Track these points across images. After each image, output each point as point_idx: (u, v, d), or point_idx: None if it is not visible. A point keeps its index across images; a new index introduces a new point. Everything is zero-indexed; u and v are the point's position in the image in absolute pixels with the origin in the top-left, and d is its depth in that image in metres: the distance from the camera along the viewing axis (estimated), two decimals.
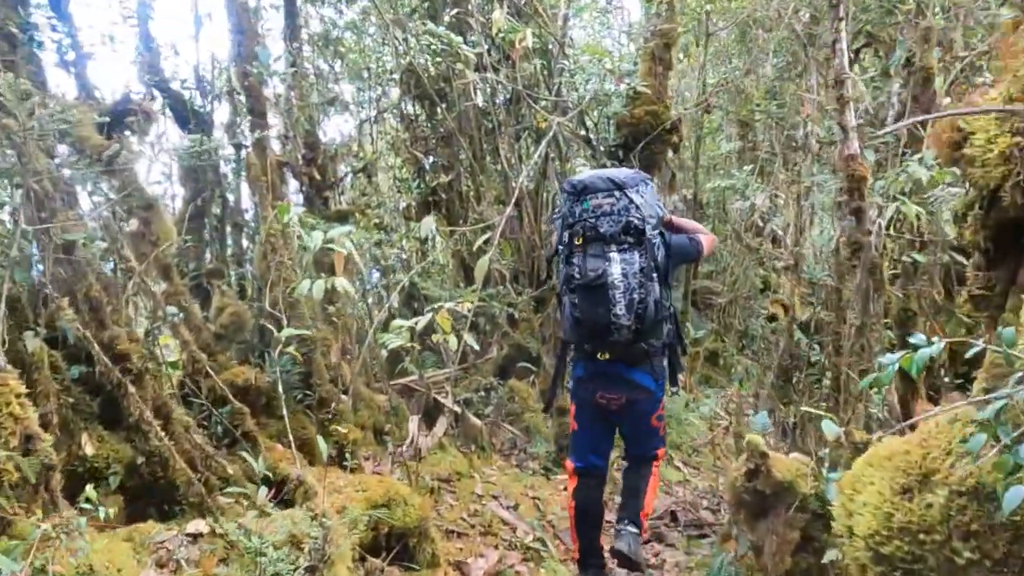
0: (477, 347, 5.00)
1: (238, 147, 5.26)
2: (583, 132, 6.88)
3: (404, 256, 7.32)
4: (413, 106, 7.29)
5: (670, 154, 7.03)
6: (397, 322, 3.47)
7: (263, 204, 4.44)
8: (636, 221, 2.99)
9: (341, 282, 3.16)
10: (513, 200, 5.06)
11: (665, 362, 3.26)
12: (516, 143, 7.76)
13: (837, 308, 3.94)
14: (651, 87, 6.68)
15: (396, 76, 7.04)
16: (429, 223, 3.93)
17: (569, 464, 3.45)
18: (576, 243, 3.04)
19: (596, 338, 3.05)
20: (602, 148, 6.85)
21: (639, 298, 2.92)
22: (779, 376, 4.78)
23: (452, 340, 3.46)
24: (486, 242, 4.89)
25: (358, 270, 5.33)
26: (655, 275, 3.02)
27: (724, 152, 11.13)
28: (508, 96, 7.34)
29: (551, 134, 6.05)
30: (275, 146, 5.39)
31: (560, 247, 3.18)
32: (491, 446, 5.29)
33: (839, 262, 4.09)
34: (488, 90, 7.03)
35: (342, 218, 5.02)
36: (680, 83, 8.95)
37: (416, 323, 3.44)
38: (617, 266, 2.93)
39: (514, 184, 5.92)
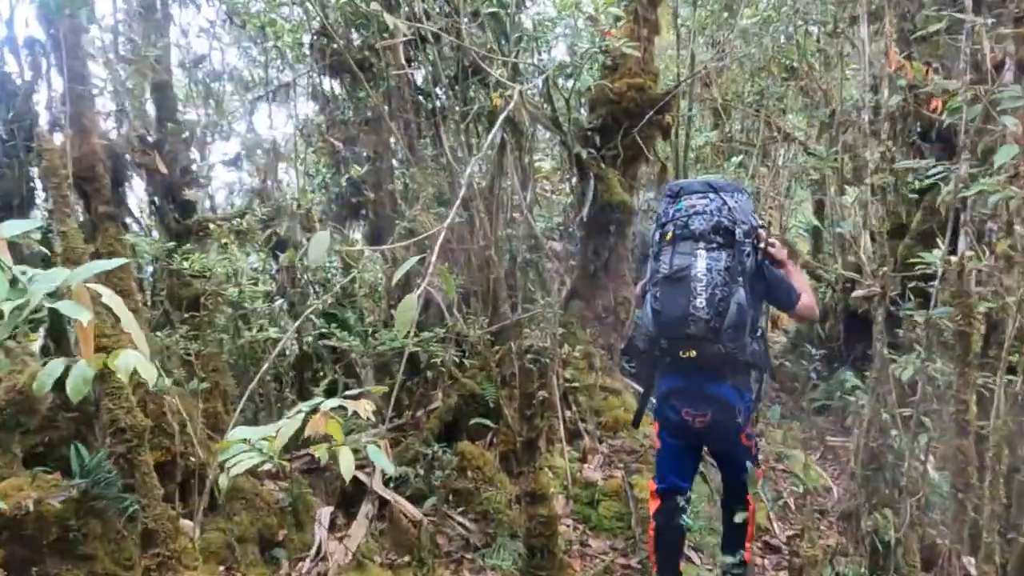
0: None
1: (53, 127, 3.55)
2: (550, 112, 5.34)
3: (327, 277, 5.70)
4: (330, 81, 5.68)
5: (659, 141, 5.56)
6: (242, 431, 1.89)
7: (58, 213, 2.78)
8: (727, 222, 2.97)
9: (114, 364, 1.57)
10: (458, 201, 3.51)
11: (752, 381, 3.14)
12: (464, 129, 6.20)
13: None
14: (635, 56, 5.17)
15: (306, 42, 5.42)
16: (323, 240, 2.34)
17: (651, 484, 3.38)
18: (666, 240, 3.03)
19: (673, 330, 2.95)
20: (574, 132, 5.33)
21: (721, 295, 2.87)
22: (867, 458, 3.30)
23: (345, 459, 1.88)
24: (422, 260, 3.36)
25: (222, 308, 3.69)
26: (741, 279, 2.94)
27: (700, 143, 9.75)
28: (456, 71, 5.77)
29: (505, 114, 4.49)
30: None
31: (652, 246, 3.17)
32: (434, 551, 3.72)
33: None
34: (428, 62, 5.46)
35: (189, 233, 3.37)
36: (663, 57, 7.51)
37: (278, 430, 1.86)
38: (703, 261, 2.92)
39: (461, 181, 4.36)
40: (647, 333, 3.10)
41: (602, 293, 5.54)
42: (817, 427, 7.34)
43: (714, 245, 2.93)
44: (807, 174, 12.11)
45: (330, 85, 5.71)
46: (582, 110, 5.47)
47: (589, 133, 5.30)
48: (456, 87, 5.96)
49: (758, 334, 3.06)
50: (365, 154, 5.41)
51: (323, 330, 4.81)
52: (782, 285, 3.16)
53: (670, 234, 3.00)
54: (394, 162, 5.47)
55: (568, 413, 5.15)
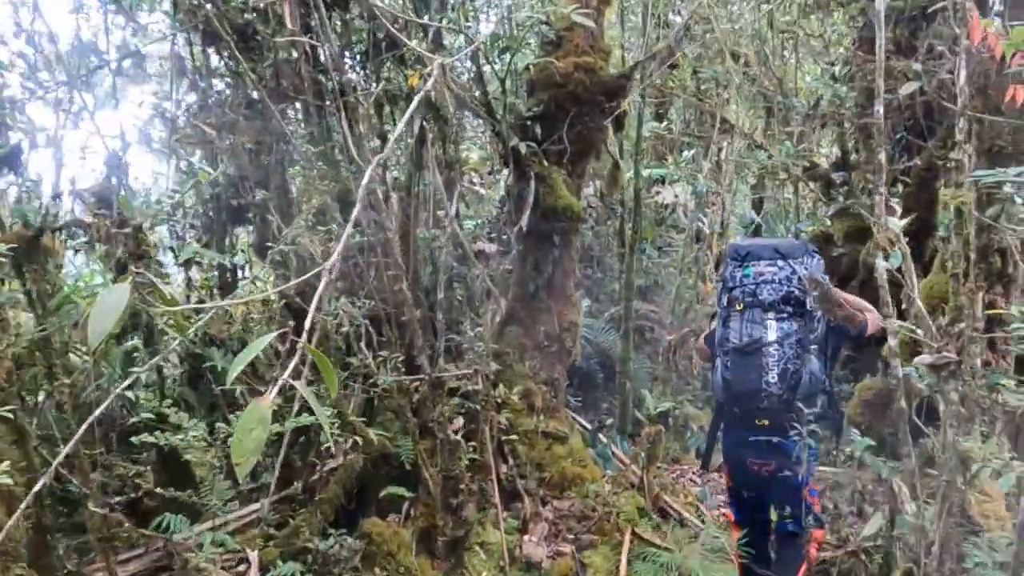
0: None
1: None
2: (480, 95, 4.31)
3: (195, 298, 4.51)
4: (203, 51, 4.47)
5: (611, 134, 4.62)
6: None
7: None
8: (797, 292, 2.94)
9: None
10: (355, 212, 2.44)
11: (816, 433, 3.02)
12: (377, 115, 5.11)
13: None
14: (585, 27, 4.21)
15: None
16: (114, 304, 1.29)
17: (730, 515, 3.38)
18: (735, 308, 3.01)
19: (744, 403, 2.97)
20: (510, 121, 4.32)
21: (793, 368, 2.88)
22: None
23: None
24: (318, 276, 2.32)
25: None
26: (813, 347, 2.95)
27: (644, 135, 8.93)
28: (367, 44, 4.68)
29: (422, 94, 3.45)
30: None
31: (719, 309, 3.13)
32: None
33: None
34: (333, 32, 4.35)
35: None
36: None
37: None
38: (773, 333, 2.91)
39: (370, 178, 3.30)
40: (717, 398, 3.13)
41: (544, 317, 4.59)
42: None
43: (784, 315, 2.91)
44: (750, 169, 11.58)
45: (203, 56, 4.50)
46: (520, 94, 4.47)
47: (528, 122, 4.31)
48: (367, 64, 4.87)
49: (824, 387, 3.02)
50: (248, 145, 4.24)
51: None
52: (849, 324, 2.98)
53: (740, 303, 2.97)
54: (284, 157, 4.31)
55: (504, 468, 4.18)
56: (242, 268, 5.17)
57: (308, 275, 2.49)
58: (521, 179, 4.30)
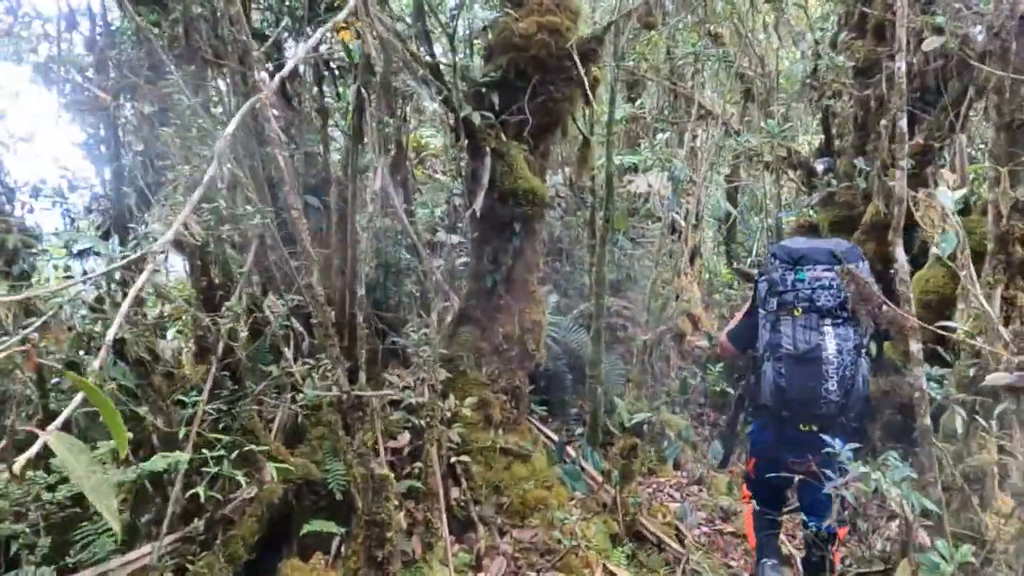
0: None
1: None
2: (427, 57, 3.68)
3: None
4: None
5: (580, 106, 4.03)
6: None
7: None
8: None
9: None
10: (288, 187, 1.76)
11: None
12: (317, 84, 4.46)
13: None
14: None
15: None
16: None
17: (747, 492, 3.40)
18: (788, 313, 2.94)
19: (800, 410, 2.94)
20: (463, 88, 3.71)
21: (850, 375, 2.87)
22: None
23: None
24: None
25: None
26: (864, 352, 2.94)
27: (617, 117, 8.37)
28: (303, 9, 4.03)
29: (356, 45, 2.83)
30: None
31: (762, 311, 3.07)
32: None
33: None
34: None
35: None
36: None
37: None
38: (832, 340, 2.86)
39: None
40: (764, 403, 3.03)
41: (503, 316, 3.99)
42: None
43: (839, 320, 2.88)
44: (724, 158, 11.10)
45: (101, 4, 3.81)
46: (474, 58, 3.86)
47: (484, 90, 3.70)
48: (298, 24, 4.22)
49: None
50: (144, 112, 3.56)
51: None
52: (892, 327, 2.96)
53: (794, 308, 2.92)
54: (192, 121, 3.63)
55: (456, 493, 3.59)
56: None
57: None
58: (475, 156, 3.69)
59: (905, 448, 6.30)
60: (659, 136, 7.07)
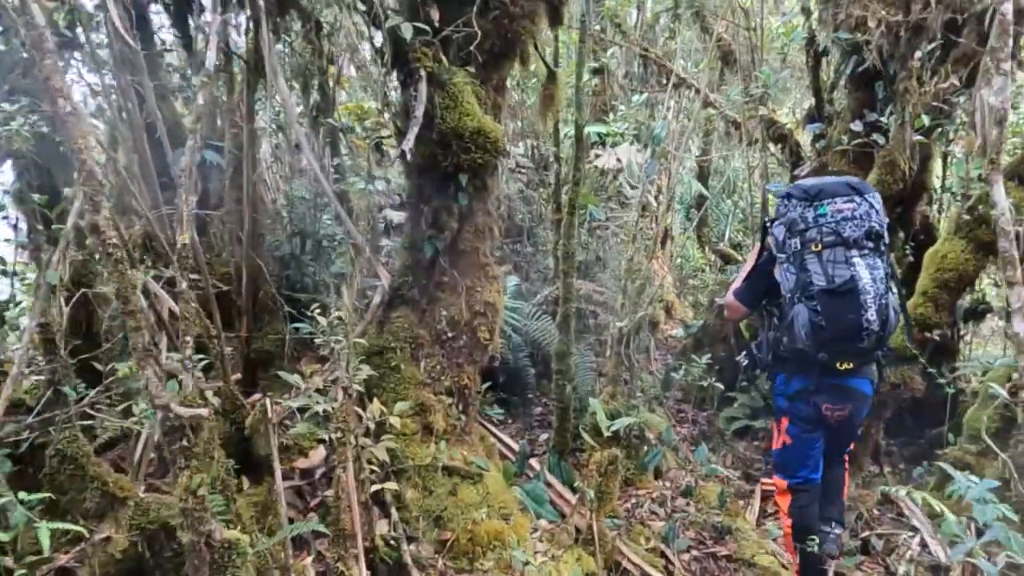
0: None
1: None
2: None
3: None
4: None
5: (545, 28, 3.16)
6: None
7: None
8: (877, 226, 2.88)
9: None
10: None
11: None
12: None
13: None
14: None
15: None
16: None
17: (780, 482, 3.30)
18: (813, 249, 2.87)
19: (841, 345, 2.89)
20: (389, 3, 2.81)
21: (885, 303, 2.84)
22: None
23: None
24: None
25: None
26: (892, 282, 2.96)
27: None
28: None
29: None
30: None
31: (782, 256, 3.00)
32: None
33: None
34: None
35: None
36: None
37: None
38: (865, 271, 2.83)
39: None
40: (801, 347, 2.93)
41: (447, 296, 3.11)
42: (740, 458, 5.44)
43: (867, 251, 2.86)
44: (698, 131, 10.38)
45: None
46: None
47: (420, 1, 2.82)
48: None
49: None
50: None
51: None
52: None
53: (817, 243, 2.85)
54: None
55: (383, 528, 2.71)
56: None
57: None
58: (407, 82, 2.80)
59: (911, 446, 5.65)
60: (635, 99, 6.24)
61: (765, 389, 5.82)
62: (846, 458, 3.45)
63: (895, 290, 2.94)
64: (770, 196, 6.75)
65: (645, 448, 4.47)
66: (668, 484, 4.56)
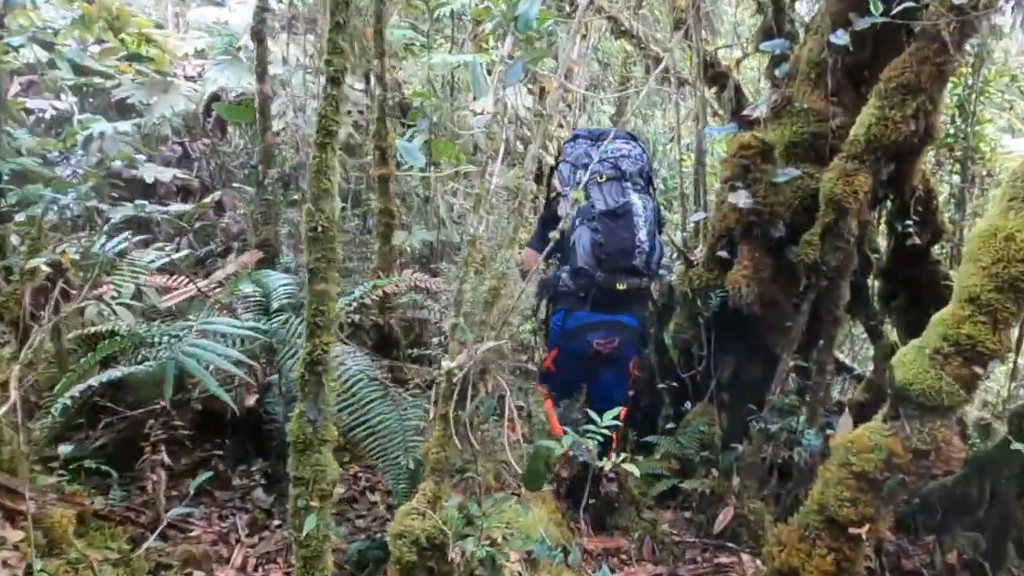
0: None
1: None
2: None
3: None
4: None
5: None
6: None
7: None
8: (647, 168, 3.39)
9: None
10: None
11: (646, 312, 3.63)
12: None
13: None
14: None
15: None
16: None
17: (543, 389, 3.55)
18: (597, 180, 3.25)
19: (616, 263, 3.19)
20: None
21: (654, 231, 3.26)
22: None
23: None
24: None
25: None
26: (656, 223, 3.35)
27: None
28: None
29: None
30: None
31: (567, 190, 3.32)
32: None
33: None
34: None
35: None
36: None
37: None
38: (638, 199, 3.23)
39: None
40: (582, 266, 3.23)
41: None
42: (665, 544, 3.54)
43: (639, 187, 3.30)
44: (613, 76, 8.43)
45: None
46: None
47: None
48: None
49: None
50: None
51: None
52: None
53: (600, 176, 3.26)
54: None
55: None
56: None
57: None
58: None
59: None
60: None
61: (703, 429, 4.03)
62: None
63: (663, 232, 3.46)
64: (713, 140, 4.91)
65: None
66: None
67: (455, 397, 2.22)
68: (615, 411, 2.51)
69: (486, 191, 2.61)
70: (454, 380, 2.22)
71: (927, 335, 2.76)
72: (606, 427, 3.17)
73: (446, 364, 2.21)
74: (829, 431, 3.65)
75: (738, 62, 5.33)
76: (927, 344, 2.74)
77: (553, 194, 3.54)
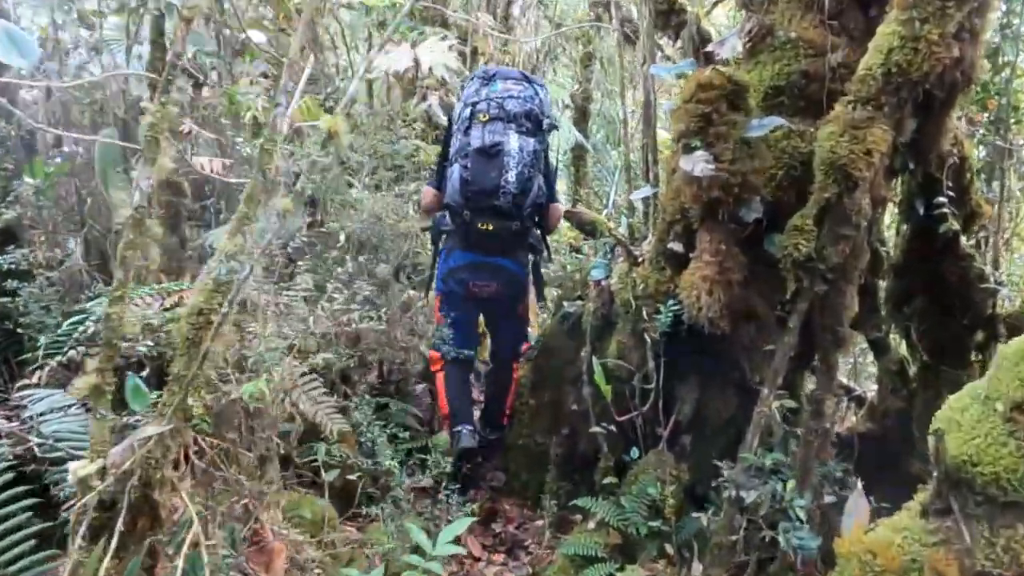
0: None
1: None
2: None
3: None
4: None
5: None
6: None
7: None
8: (537, 111, 3.27)
9: None
10: None
11: (529, 262, 3.50)
12: None
13: None
14: None
15: None
16: None
17: (435, 354, 3.48)
18: (480, 119, 3.24)
19: (480, 201, 3.19)
20: None
21: (528, 175, 3.19)
22: None
23: None
24: None
25: None
26: (542, 166, 3.33)
27: None
28: None
29: None
30: None
31: (457, 125, 3.33)
32: None
33: None
34: None
35: None
36: None
37: None
38: (515, 140, 3.18)
39: None
40: (450, 204, 3.27)
41: None
42: None
43: (524, 129, 3.22)
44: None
45: None
46: None
47: None
48: None
49: (538, 221, 3.46)
50: None
51: None
52: (553, 181, 3.54)
53: (484, 114, 3.21)
54: None
55: None
56: None
57: None
58: None
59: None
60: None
61: (652, 491, 2.93)
62: (515, 366, 3.54)
63: (542, 177, 3.32)
64: (660, 78, 3.82)
65: None
66: None
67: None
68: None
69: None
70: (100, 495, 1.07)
71: (998, 378, 1.69)
72: (500, 398, 3.53)
73: (75, 467, 1.07)
74: (829, 498, 2.59)
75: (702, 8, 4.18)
76: (998, 392, 1.68)
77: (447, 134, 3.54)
